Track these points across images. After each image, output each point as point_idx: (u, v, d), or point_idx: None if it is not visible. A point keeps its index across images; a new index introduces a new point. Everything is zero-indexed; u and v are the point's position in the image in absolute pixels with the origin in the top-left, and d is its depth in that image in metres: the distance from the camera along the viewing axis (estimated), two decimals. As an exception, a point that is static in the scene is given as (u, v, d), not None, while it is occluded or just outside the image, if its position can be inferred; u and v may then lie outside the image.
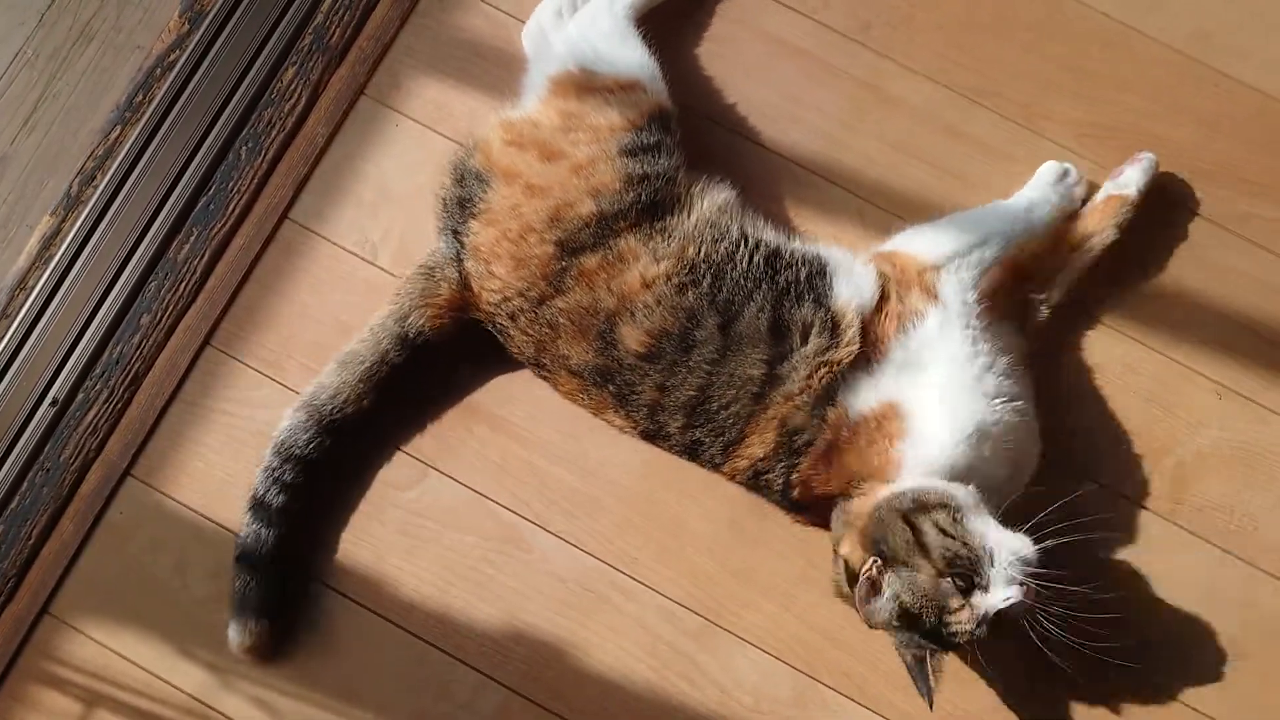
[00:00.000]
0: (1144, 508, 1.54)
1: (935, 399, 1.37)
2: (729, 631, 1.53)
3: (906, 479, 1.35)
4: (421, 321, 1.47)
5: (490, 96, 1.61)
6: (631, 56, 1.47)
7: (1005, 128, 1.63)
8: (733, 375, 1.38)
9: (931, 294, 1.41)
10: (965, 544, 1.29)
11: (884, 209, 1.61)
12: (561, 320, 1.41)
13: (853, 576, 1.33)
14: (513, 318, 1.43)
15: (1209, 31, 1.64)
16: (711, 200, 1.46)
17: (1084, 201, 1.55)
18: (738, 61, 1.62)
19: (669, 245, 1.41)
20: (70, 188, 1.63)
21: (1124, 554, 1.53)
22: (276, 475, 1.47)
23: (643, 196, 1.41)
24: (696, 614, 1.54)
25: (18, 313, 1.60)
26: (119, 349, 1.59)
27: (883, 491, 1.34)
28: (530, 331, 1.43)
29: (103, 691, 1.55)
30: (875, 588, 1.31)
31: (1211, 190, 1.61)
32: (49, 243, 1.62)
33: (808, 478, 1.39)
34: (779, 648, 1.53)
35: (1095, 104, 1.63)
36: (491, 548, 1.56)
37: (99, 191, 1.61)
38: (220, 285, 1.60)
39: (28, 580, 1.57)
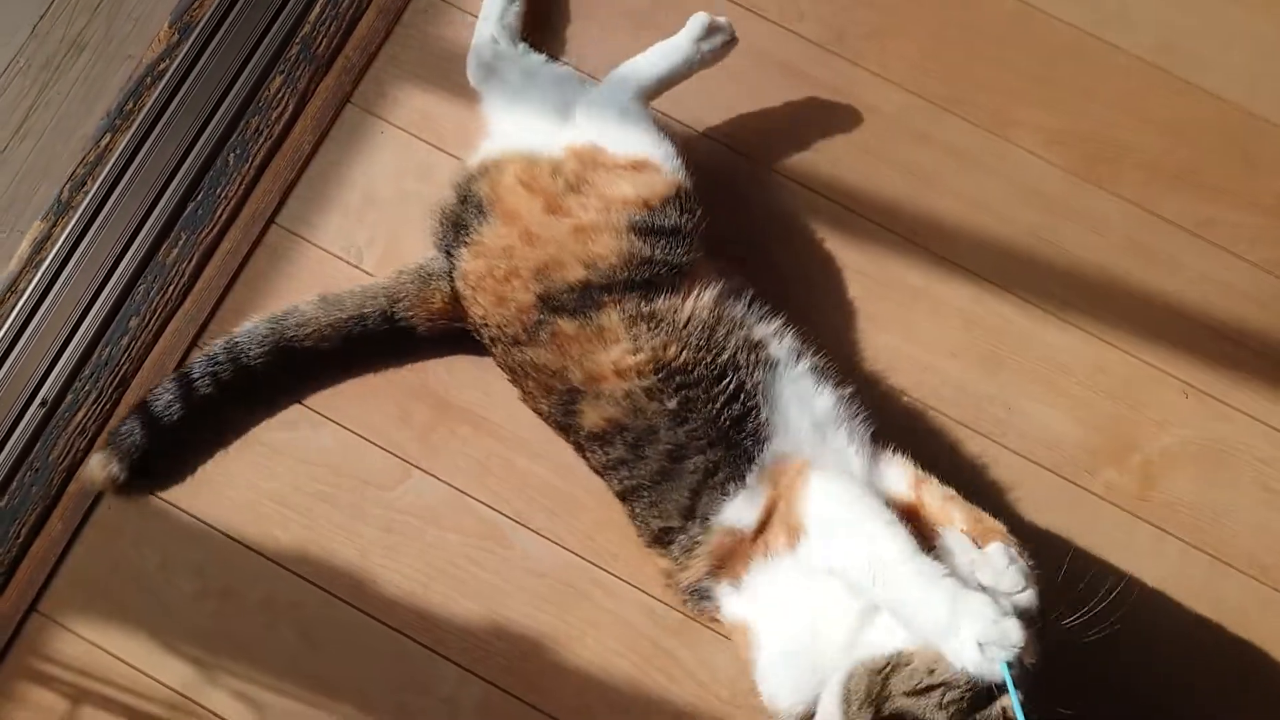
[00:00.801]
0: (1111, 503, 1.58)
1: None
2: (706, 627, 1.56)
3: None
4: (412, 317, 1.50)
5: (474, 106, 1.65)
6: (643, 137, 1.44)
7: (974, 135, 1.67)
8: (661, 500, 1.37)
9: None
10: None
11: (856, 212, 1.65)
12: (530, 371, 1.42)
13: None
14: (493, 342, 1.46)
15: (1171, 43, 1.69)
16: (712, 296, 1.41)
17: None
18: (720, 70, 1.67)
19: (653, 337, 1.36)
20: (61, 193, 1.66)
21: (1092, 549, 1.56)
22: (215, 369, 1.50)
23: (638, 278, 1.38)
24: (674, 609, 1.56)
25: (8, 316, 1.63)
26: (108, 351, 1.62)
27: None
28: (504, 361, 1.46)
29: (89, 688, 1.56)
30: None
31: (1175, 195, 1.65)
32: (40, 247, 1.65)
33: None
34: (755, 642, 1.56)
35: (1062, 112, 1.67)
36: (473, 544, 1.59)
37: (89, 197, 1.65)
38: (208, 288, 1.63)
39: (16, 578, 1.59)
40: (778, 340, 1.43)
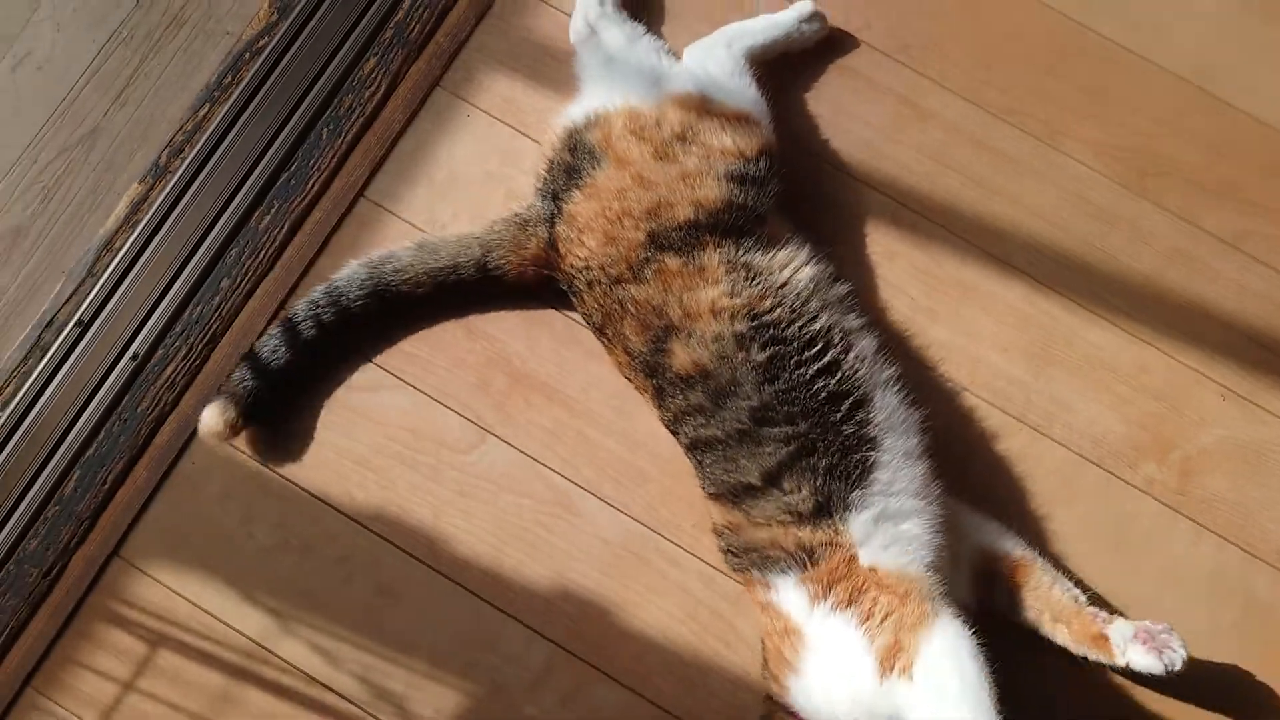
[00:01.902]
0: (1152, 497, 1.66)
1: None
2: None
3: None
4: (504, 263, 1.59)
5: (556, 94, 1.74)
6: (747, 92, 1.60)
7: (1029, 144, 1.76)
8: (735, 458, 1.44)
9: (906, 665, 1.35)
10: None
11: (917, 212, 1.74)
12: (630, 307, 1.50)
13: None
14: (590, 285, 1.53)
15: (1214, 65, 1.79)
16: (809, 274, 1.52)
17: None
18: (792, 71, 1.75)
19: (749, 286, 1.47)
20: (159, 159, 1.73)
21: (1132, 541, 1.64)
22: (317, 312, 1.58)
23: (732, 222, 1.50)
24: (735, 580, 1.63)
25: (104, 271, 1.69)
26: (199, 309, 1.68)
27: None
28: (602, 303, 1.53)
29: (167, 633, 1.62)
30: None
31: (1216, 209, 1.75)
32: (137, 208, 1.71)
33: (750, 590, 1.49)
34: (811, 614, 1.62)
35: (1110, 125, 1.77)
36: (543, 510, 1.65)
37: (186, 163, 1.72)
38: (297, 255, 1.71)
39: (100, 524, 1.64)
40: (866, 335, 1.54)
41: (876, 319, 1.66)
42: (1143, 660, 1.43)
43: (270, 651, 1.61)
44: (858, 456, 1.42)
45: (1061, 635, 1.48)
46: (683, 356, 1.46)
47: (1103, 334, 1.71)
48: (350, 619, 1.62)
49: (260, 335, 1.62)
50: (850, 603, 1.37)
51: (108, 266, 1.70)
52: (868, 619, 1.35)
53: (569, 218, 1.54)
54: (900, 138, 1.76)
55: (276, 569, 1.63)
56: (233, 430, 1.58)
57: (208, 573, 1.63)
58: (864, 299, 1.66)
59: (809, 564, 1.40)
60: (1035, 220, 1.74)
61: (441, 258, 1.59)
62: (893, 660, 1.31)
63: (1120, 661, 1.44)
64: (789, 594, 1.41)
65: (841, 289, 1.57)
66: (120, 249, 1.70)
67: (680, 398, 1.48)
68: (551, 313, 1.69)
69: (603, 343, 1.58)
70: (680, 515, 1.65)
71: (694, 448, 1.49)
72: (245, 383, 1.58)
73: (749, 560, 1.46)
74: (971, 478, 1.62)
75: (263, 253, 1.70)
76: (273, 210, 1.71)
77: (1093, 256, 1.73)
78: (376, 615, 1.62)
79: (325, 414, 1.66)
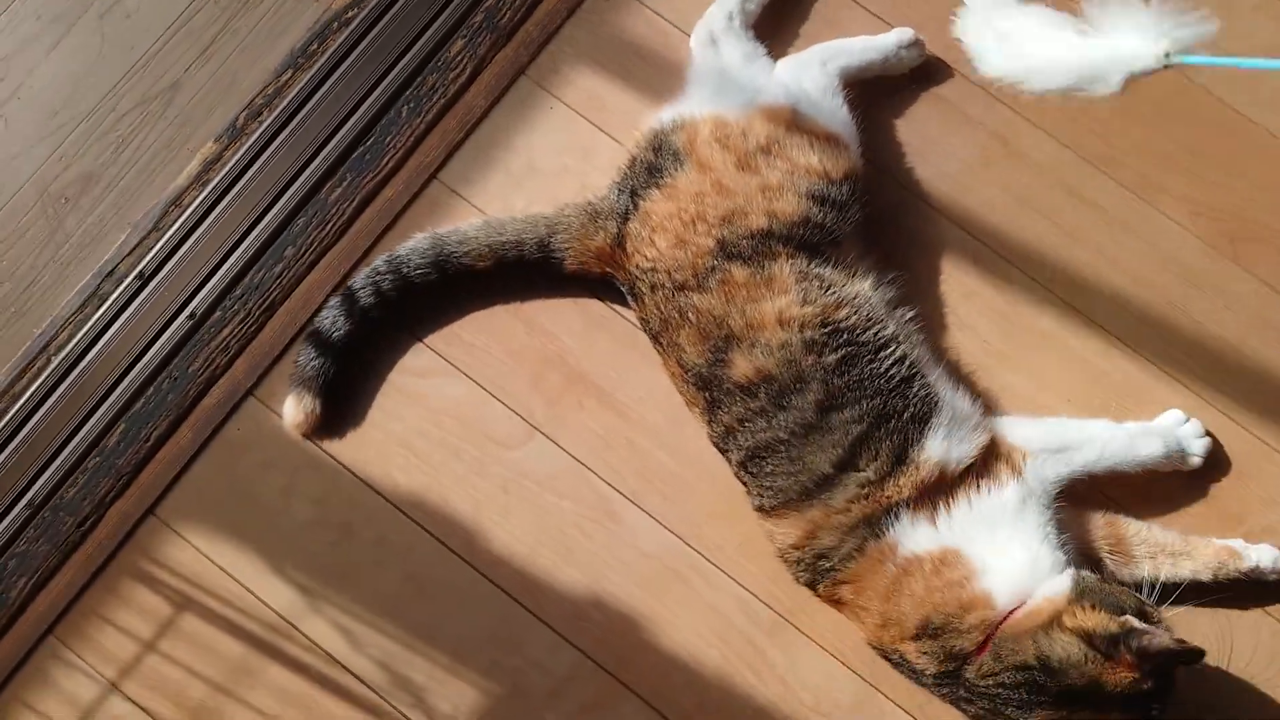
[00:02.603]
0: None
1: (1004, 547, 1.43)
2: (800, 630, 1.59)
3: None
4: (566, 249, 1.57)
5: (641, 95, 1.71)
6: (838, 113, 1.57)
7: (1121, 195, 1.71)
8: (800, 456, 1.43)
9: (1016, 470, 1.47)
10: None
11: (997, 253, 1.69)
12: (690, 315, 1.48)
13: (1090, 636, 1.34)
14: (653, 289, 1.51)
15: (1322, 135, 1.73)
16: (877, 287, 1.53)
17: (1203, 460, 1.58)
18: (882, 95, 1.71)
19: (824, 295, 1.46)
20: (236, 119, 1.72)
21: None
22: (377, 280, 1.57)
23: (808, 238, 1.49)
24: (771, 609, 1.59)
25: (169, 227, 1.68)
26: (261, 275, 1.67)
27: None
28: (662, 309, 1.50)
29: (193, 597, 1.60)
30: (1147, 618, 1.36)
31: (1310, 283, 1.69)
32: (209, 167, 1.70)
33: (834, 594, 1.47)
34: (846, 653, 1.58)
35: (1208, 185, 1.71)
36: (584, 515, 1.62)
37: (264, 126, 1.70)
38: (364, 230, 1.69)
39: (139, 480, 1.63)
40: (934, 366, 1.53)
41: (946, 356, 1.61)
42: (1269, 555, 1.51)
43: (295, 627, 1.59)
44: (925, 405, 1.45)
45: (1186, 566, 1.51)
46: (743, 365, 1.44)
47: (1176, 397, 1.65)
48: (378, 603, 1.60)
49: (318, 310, 1.60)
50: (959, 495, 1.43)
51: (174, 222, 1.68)
52: (979, 482, 1.44)
53: (644, 215, 1.52)
54: (987, 175, 1.71)
55: (310, 545, 1.61)
56: (315, 418, 1.58)
57: (241, 541, 1.62)
58: (935, 335, 1.62)
59: (911, 504, 1.41)
60: (1119, 274, 1.69)
61: (506, 233, 1.58)
62: (1012, 470, 1.45)
63: (1250, 563, 1.51)
64: (912, 534, 1.41)
65: (913, 320, 1.56)
66: (188, 206, 1.69)
67: (737, 406, 1.45)
68: (612, 315, 1.66)
69: (656, 349, 1.55)
70: (724, 536, 1.61)
71: (751, 459, 1.46)
72: (313, 363, 1.57)
73: (846, 550, 1.42)
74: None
75: (330, 225, 1.68)
76: (345, 183, 1.69)
77: (1175, 318, 1.68)
78: (405, 603, 1.60)
79: (375, 394, 1.64)
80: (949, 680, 1.40)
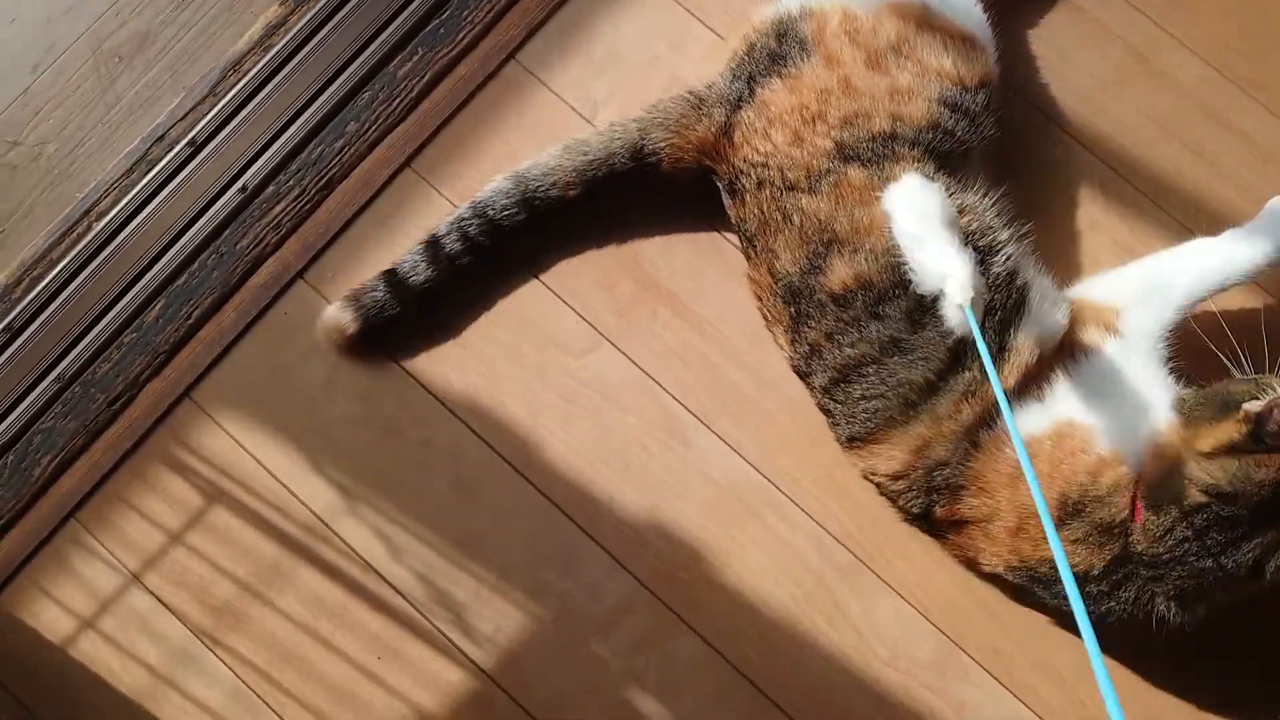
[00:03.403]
0: None
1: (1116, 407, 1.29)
2: (879, 576, 1.44)
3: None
4: (662, 144, 1.43)
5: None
6: (973, 11, 1.42)
7: (1273, 126, 1.53)
8: (892, 371, 1.31)
9: (1110, 328, 1.33)
10: None
11: (1128, 181, 1.52)
12: (795, 217, 1.35)
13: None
14: (760, 185, 1.37)
15: None
16: (995, 204, 1.40)
17: None
18: (1015, 7, 1.55)
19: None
20: (303, -17, 1.59)
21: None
22: (463, 226, 1.45)
23: (936, 144, 1.36)
24: (850, 551, 1.45)
25: (226, 93, 1.56)
26: (319, 150, 1.54)
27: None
28: (764, 209, 1.37)
29: (226, 489, 1.49)
30: None
31: None
32: (272, 31, 1.58)
33: (955, 512, 1.33)
34: (928, 605, 1.43)
35: (1372, 121, 1.53)
36: (649, 433, 1.48)
37: (332, -8, 1.58)
38: (433, 110, 1.55)
39: (177, 360, 1.52)
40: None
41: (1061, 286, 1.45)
42: None
43: (331, 529, 1.48)
44: (1021, 294, 1.34)
45: None
46: (842, 272, 1.32)
47: None
48: (421, 510, 1.47)
49: (402, 256, 1.48)
50: (1060, 368, 1.33)
51: (231, 89, 1.56)
52: (1077, 352, 1.33)
53: (761, 104, 1.38)
54: (1124, 94, 1.54)
55: (353, 442, 1.49)
56: (347, 339, 1.46)
57: (280, 433, 1.50)
58: (1055, 264, 1.45)
59: (1017, 391, 1.31)
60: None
61: (592, 149, 1.44)
62: (1106, 329, 1.33)
63: None
64: (1024, 417, 1.30)
65: (1026, 236, 1.40)
66: (248, 72, 1.56)
67: (828, 319, 1.33)
68: (696, 222, 1.51)
69: (746, 254, 1.42)
70: (801, 469, 1.47)
71: (838, 382, 1.33)
72: (374, 295, 1.46)
73: (960, 455, 1.30)
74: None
75: (398, 101, 1.55)
76: (415, 57, 1.56)
77: (1320, 265, 1.50)
78: (451, 512, 1.47)
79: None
80: (1121, 566, 1.25)
